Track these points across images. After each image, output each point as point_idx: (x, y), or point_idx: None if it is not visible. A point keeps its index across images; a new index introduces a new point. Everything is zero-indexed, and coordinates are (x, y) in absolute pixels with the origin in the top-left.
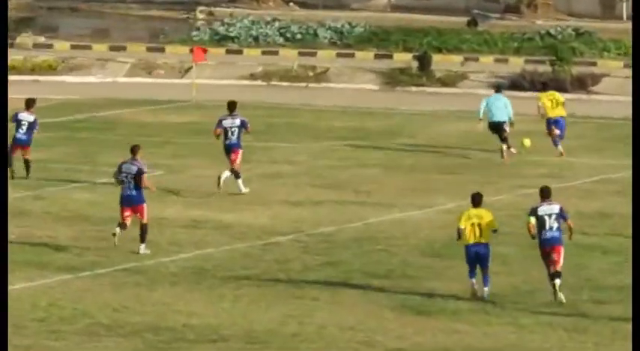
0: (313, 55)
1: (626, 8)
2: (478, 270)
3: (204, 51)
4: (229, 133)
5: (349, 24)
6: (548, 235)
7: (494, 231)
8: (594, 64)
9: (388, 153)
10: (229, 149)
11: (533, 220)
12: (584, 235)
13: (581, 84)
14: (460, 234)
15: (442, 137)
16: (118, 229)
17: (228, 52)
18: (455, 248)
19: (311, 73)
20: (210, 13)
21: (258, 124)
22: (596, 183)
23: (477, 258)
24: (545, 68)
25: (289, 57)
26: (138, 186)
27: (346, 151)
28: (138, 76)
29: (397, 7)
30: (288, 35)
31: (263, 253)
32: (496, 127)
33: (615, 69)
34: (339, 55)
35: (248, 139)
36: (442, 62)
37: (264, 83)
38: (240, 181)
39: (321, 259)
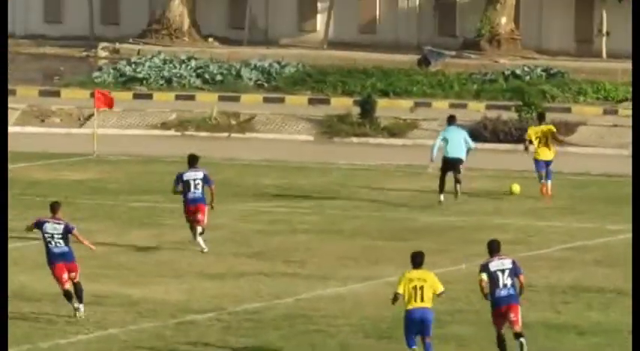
0: (236, 99)
1: (605, 44)
2: (419, 340)
3: (108, 95)
4: (192, 186)
5: (278, 63)
6: (503, 293)
7: (439, 295)
8: (568, 110)
9: (325, 216)
10: (194, 204)
11: (485, 277)
12: (557, 313)
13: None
14: (396, 299)
15: (389, 197)
16: (75, 304)
17: (136, 96)
18: None
19: (233, 122)
20: (115, 51)
21: (171, 181)
22: (569, 251)
23: (420, 325)
24: (509, 115)
25: (208, 102)
26: (68, 243)
27: (275, 213)
28: (29, 124)
29: (335, 43)
30: (207, 76)
31: (177, 333)
32: (452, 165)
33: (593, 116)
34: (266, 99)
35: (159, 200)
36: (388, 108)
37: (177, 133)
38: (202, 238)
39: (245, 342)
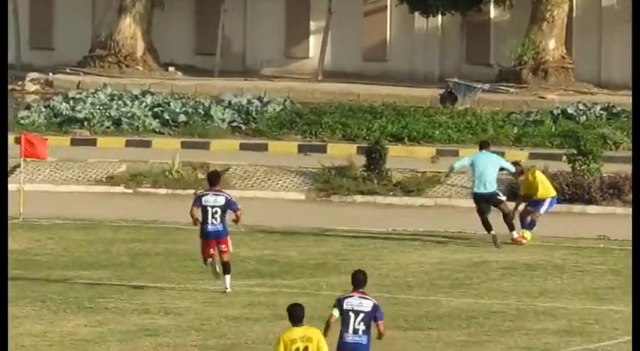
0: (205, 146)
1: None
2: None
3: (39, 141)
4: (210, 216)
5: (259, 99)
6: (350, 339)
7: None
8: None
9: (320, 297)
10: (215, 238)
11: (337, 313)
12: None
13: (616, 191)
14: None
15: (403, 273)
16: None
17: (75, 142)
18: None
19: (201, 175)
20: (48, 83)
21: (121, 253)
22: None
23: None
24: (560, 166)
25: (168, 150)
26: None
27: (256, 294)
28: None
29: (333, 73)
30: (167, 116)
31: None
32: (485, 201)
33: None
34: (244, 146)
35: (104, 277)
36: (402, 158)
37: (128, 190)
38: (229, 277)
39: None
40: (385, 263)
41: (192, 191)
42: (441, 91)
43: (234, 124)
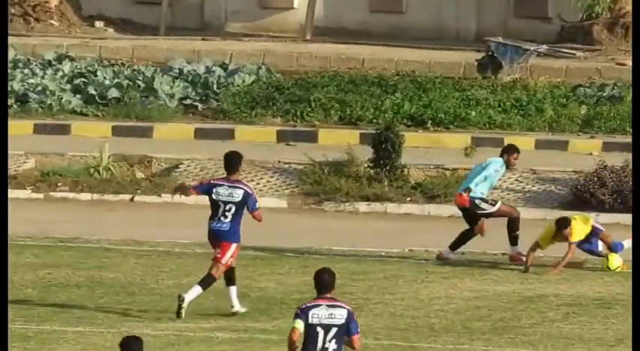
0: (145, 133)
1: None
2: None
3: None
4: (220, 212)
5: (223, 67)
6: None
7: None
8: None
9: None
10: (214, 238)
11: (300, 326)
12: None
13: None
14: None
15: (426, 314)
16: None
17: None
18: None
19: (141, 174)
20: None
21: (26, 284)
22: None
23: None
24: None
25: (94, 138)
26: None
27: (217, 341)
28: None
29: (328, 30)
30: (92, 91)
31: None
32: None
33: None
34: (201, 133)
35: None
36: (425, 150)
37: (37, 195)
38: (234, 289)
39: None
40: (399, 298)
41: (127, 196)
42: (480, 55)
43: (188, 101)
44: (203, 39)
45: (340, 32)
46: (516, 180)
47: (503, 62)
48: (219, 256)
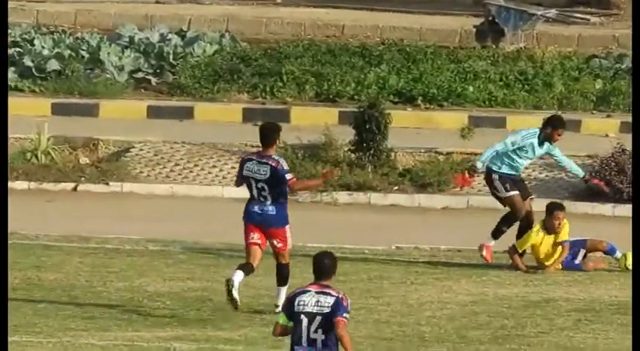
0: (90, 112)
1: None
2: None
3: None
4: (255, 192)
5: (180, 35)
6: None
7: None
8: None
9: None
10: (257, 223)
11: (283, 319)
12: None
13: None
14: None
15: (415, 321)
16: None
17: None
18: None
19: (86, 159)
20: None
21: None
22: None
23: None
24: None
25: (30, 117)
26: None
27: None
28: None
29: None
30: (28, 63)
31: None
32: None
33: None
34: (155, 112)
35: None
36: (415, 131)
37: None
38: (284, 290)
39: None
40: (385, 303)
41: (70, 185)
42: (479, 21)
43: (139, 75)
44: (157, 2)
45: None
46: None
47: (505, 29)
48: (280, 246)
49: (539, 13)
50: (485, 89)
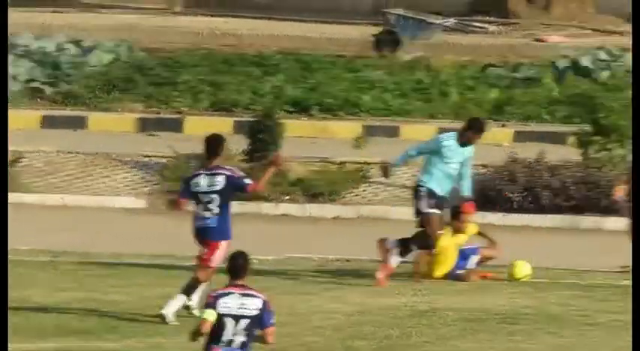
0: None
1: None
2: None
3: None
4: (203, 206)
5: (77, 44)
6: None
7: None
8: None
9: None
10: (201, 235)
11: (211, 316)
12: None
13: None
14: None
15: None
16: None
17: None
18: None
19: None
20: None
21: None
22: None
23: None
24: (565, 153)
25: None
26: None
27: None
28: None
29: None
30: None
31: None
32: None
33: None
34: (49, 122)
35: None
36: (309, 140)
37: None
38: (179, 301)
39: None
40: (288, 322)
41: None
42: (378, 29)
43: (34, 84)
44: (54, 11)
45: (215, 3)
46: (413, 175)
47: (402, 38)
48: (206, 257)
49: (437, 22)
50: (380, 98)
